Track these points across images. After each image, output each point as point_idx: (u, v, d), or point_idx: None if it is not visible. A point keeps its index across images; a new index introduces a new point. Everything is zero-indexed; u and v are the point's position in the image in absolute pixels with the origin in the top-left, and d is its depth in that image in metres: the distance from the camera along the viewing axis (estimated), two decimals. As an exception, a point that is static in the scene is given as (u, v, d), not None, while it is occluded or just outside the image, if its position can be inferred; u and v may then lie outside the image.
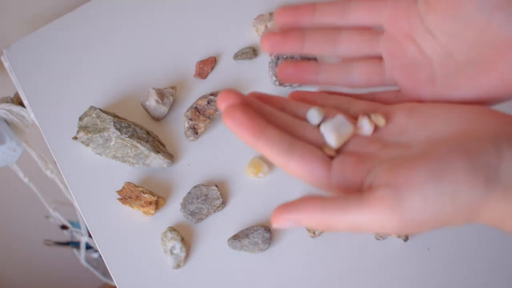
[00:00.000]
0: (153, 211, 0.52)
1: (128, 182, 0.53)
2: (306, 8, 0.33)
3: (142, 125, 0.57)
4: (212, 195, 0.52)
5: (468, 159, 0.25)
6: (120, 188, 0.54)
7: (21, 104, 0.71)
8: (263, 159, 0.54)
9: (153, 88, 0.58)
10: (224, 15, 0.66)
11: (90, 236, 1.03)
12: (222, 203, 0.51)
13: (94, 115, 0.56)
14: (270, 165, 0.54)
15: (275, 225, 0.29)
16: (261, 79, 0.60)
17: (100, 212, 0.53)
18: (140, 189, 0.52)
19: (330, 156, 0.29)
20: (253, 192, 0.52)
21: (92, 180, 0.56)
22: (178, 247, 0.49)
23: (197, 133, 0.56)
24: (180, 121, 0.58)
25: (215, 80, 0.61)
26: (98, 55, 0.65)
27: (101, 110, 0.56)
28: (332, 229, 0.29)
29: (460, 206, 0.26)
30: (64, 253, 1.21)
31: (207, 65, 0.61)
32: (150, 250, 0.51)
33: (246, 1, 0.67)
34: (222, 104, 0.28)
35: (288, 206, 0.29)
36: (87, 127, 0.55)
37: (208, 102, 0.56)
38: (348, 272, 0.47)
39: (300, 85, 0.57)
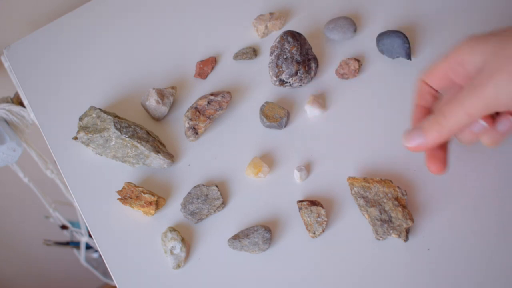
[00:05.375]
0: (153, 211, 0.52)
1: (128, 182, 0.53)
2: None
3: (142, 125, 0.57)
4: (212, 195, 0.52)
5: None
6: (120, 188, 0.54)
7: (21, 104, 0.71)
8: (263, 159, 0.54)
9: (153, 88, 0.58)
10: (224, 15, 0.66)
11: (90, 236, 1.03)
12: (222, 203, 0.51)
13: (94, 115, 0.56)
14: (270, 165, 0.54)
15: (408, 145, 0.44)
16: (261, 79, 0.60)
17: (100, 212, 0.53)
18: (140, 189, 0.52)
19: None
20: (253, 192, 0.52)
21: (92, 180, 0.56)
22: (178, 247, 0.49)
23: (197, 133, 0.56)
24: (180, 121, 0.58)
25: (215, 80, 0.61)
26: (98, 55, 0.66)
27: (101, 110, 0.56)
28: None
29: None
30: (64, 253, 1.21)
31: (207, 65, 0.61)
32: (150, 250, 0.51)
33: (246, 1, 0.67)
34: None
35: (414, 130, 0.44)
36: (87, 127, 0.55)
37: (208, 102, 0.56)
38: (348, 272, 0.47)
39: (300, 85, 0.57)
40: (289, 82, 0.56)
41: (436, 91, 0.47)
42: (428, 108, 0.47)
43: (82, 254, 1.11)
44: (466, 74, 0.42)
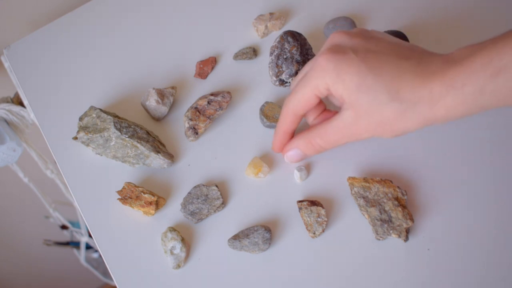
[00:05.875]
0: (153, 211, 0.52)
1: (128, 182, 0.53)
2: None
3: (142, 125, 0.57)
4: (212, 195, 0.52)
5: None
6: (120, 188, 0.54)
7: (21, 104, 0.71)
8: (263, 159, 0.54)
9: (153, 88, 0.58)
10: (224, 15, 0.66)
11: (90, 236, 1.03)
12: (222, 203, 0.51)
13: (94, 115, 0.56)
14: (270, 165, 0.54)
15: (285, 158, 0.52)
16: (261, 79, 0.60)
17: (100, 212, 0.53)
18: (140, 189, 0.52)
19: None
20: (253, 192, 0.52)
21: (92, 180, 0.56)
22: (178, 247, 0.49)
23: (197, 133, 0.56)
24: (180, 121, 0.58)
25: (215, 80, 0.61)
26: (98, 55, 0.66)
27: (101, 110, 0.56)
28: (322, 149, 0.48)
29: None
30: (64, 253, 1.21)
31: (207, 65, 0.61)
32: (150, 250, 0.51)
33: (246, 1, 0.67)
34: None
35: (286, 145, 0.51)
36: (87, 127, 0.55)
37: (208, 102, 0.56)
38: (348, 272, 0.47)
39: (300, 85, 0.57)
40: (289, 82, 0.56)
41: (300, 117, 0.49)
42: (292, 133, 0.51)
43: (82, 254, 1.11)
44: (332, 94, 0.44)
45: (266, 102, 0.56)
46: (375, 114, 0.42)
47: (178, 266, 0.49)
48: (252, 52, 0.61)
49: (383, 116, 0.41)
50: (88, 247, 1.11)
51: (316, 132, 0.47)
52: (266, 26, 0.63)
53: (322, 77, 0.43)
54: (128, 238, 0.52)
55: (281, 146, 0.51)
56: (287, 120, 0.49)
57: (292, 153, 0.50)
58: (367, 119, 0.42)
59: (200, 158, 0.56)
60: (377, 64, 0.41)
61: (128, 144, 0.54)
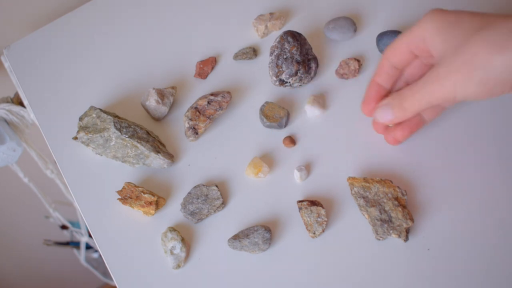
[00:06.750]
0: (153, 211, 0.52)
1: (128, 182, 0.53)
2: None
3: (142, 125, 0.57)
4: (212, 195, 0.52)
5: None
6: (120, 188, 0.54)
7: (21, 104, 0.71)
8: (263, 159, 0.54)
9: (153, 88, 0.58)
10: (224, 15, 0.66)
11: (90, 236, 1.03)
12: (222, 203, 0.51)
13: (94, 115, 0.56)
14: (270, 165, 0.54)
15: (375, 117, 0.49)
16: (261, 79, 0.60)
17: (100, 212, 0.54)
18: (140, 189, 0.52)
19: None
20: (253, 192, 0.52)
21: (92, 180, 0.56)
22: (178, 247, 0.49)
23: (197, 133, 0.56)
24: (180, 121, 0.58)
25: (215, 80, 0.61)
26: (98, 55, 0.66)
27: (101, 110, 0.56)
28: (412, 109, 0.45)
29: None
30: (64, 253, 1.21)
31: (207, 65, 0.61)
32: (150, 250, 0.51)
33: (246, 1, 0.67)
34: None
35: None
36: (87, 127, 0.55)
37: (208, 102, 0.56)
38: (348, 272, 0.47)
39: (300, 85, 0.57)
40: (289, 82, 0.56)
41: (395, 70, 0.49)
42: (382, 87, 0.50)
43: (82, 254, 1.11)
44: (427, 50, 0.45)
45: (266, 102, 0.56)
46: (464, 49, 0.41)
47: (178, 266, 0.49)
48: (252, 52, 0.61)
49: (471, 50, 0.40)
50: (88, 247, 1.11)
51: (407, 91, 0.46)
52: (266, 26, 0.63)
53: (423, 26, 0.45)
54: (128, 238, 0.52)
55: (367, 97, 0.51)
56: (379, 65, 0.49)
57: (385, 115, 0.48)
58: (455, 61, 0.41)
59: (200, 158, 0.56)
60: (474, 14, 0.42)
61: (128, 144, 0.54)
